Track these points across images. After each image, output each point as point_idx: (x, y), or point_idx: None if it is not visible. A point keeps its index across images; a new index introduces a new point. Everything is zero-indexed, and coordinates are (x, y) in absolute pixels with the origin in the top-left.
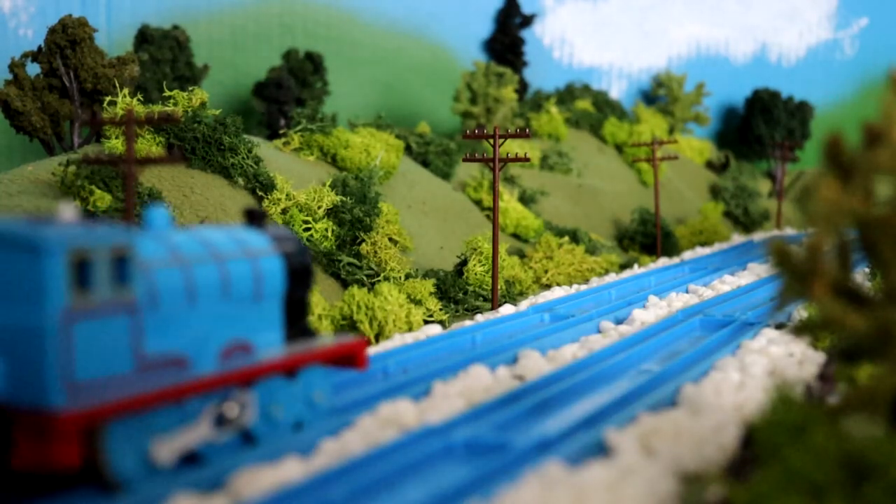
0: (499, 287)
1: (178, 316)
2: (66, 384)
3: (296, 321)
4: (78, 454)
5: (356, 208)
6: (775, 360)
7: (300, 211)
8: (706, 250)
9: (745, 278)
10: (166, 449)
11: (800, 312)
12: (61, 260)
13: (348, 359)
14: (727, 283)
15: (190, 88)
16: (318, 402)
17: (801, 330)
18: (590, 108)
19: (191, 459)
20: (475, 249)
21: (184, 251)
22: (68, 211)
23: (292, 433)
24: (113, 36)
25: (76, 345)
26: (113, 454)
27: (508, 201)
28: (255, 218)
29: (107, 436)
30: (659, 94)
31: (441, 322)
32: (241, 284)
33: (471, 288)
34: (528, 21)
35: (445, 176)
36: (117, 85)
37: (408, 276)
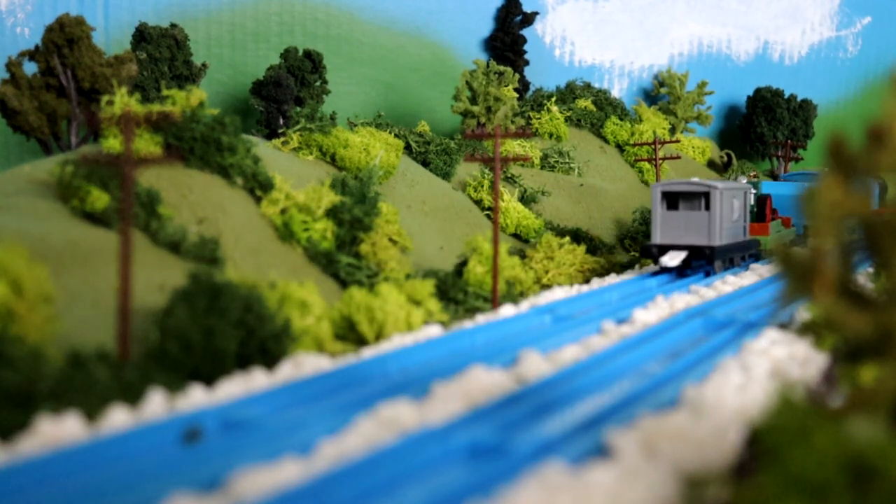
0: (499, 287)
1: (789, 207)
2: None
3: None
4: None
5: (355, 208)
6: (778, 361)
7: (299, 211)
8: None
9: (747, 279)
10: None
11: (802, 313)
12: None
13: None
14: (729, 283)
15: (188, 88)
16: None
17: (803, 331)
18: (591, 107)
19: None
20: (475, 249)
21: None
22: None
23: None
24: (111, 34)
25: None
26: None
27: (509, 201)
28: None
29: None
30: (660, 93)
31: (441, 323)
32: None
33: (471, 288)
34: (528, 19)
35: (445, 176)
36: (115, 84)
37: (408, 277)
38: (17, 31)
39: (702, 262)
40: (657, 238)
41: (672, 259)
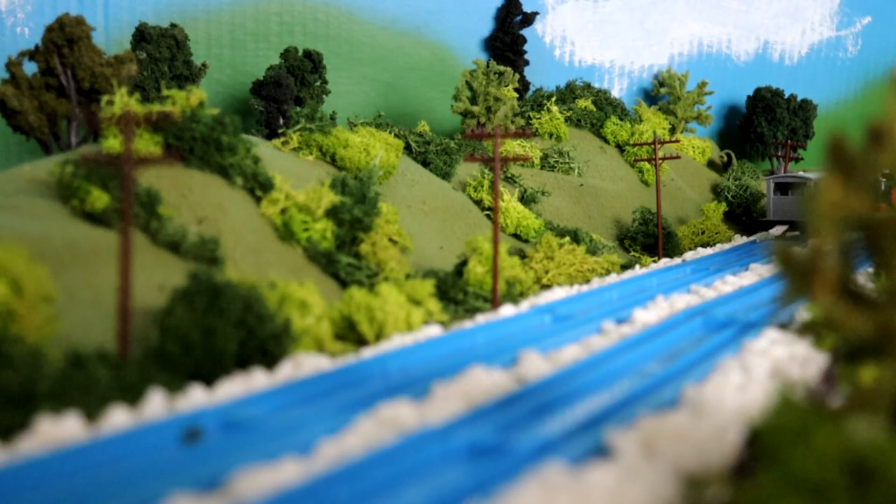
0: (499, 287)
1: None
2: None
3: None
4: None
5: (355, 208)
6: (778, 361)
7: (299, 211)
8: (708, 250)
9: (747, 279)
10: None
11: (802, 313)
12: None
13: None
14: (729, 283)
15: (188, 88)
16: None
17: (803, 331)
18: (591, 107)
19: None
20: (475, 249)
21: None
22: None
23: None
24: (111, 34)
25: None
26: None
27: (509, 201)
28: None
29: None
30: (660, 93)
31: (441, 323)
32: None
33: (471, 288)
34: (528, 19)
35: (445, 176)
36: (115, 84)
37: (408, 277)
38: (17, 31)
39: (800, 232)
40: (770, 215)
41: (777, 230)
